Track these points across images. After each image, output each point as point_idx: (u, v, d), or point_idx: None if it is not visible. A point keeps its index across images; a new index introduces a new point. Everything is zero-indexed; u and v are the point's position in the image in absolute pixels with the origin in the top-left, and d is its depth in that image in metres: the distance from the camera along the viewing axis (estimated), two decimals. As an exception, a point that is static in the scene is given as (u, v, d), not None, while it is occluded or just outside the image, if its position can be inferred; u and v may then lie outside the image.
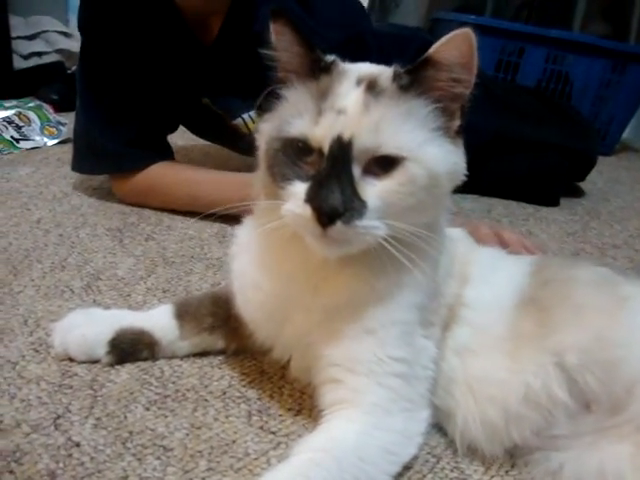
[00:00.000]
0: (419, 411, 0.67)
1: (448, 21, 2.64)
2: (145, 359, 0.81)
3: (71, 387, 0.75)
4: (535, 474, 0.67)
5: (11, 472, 0.61)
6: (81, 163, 1.44)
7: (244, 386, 0.79)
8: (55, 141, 1.91)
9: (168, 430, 0.70)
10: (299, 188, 0.60)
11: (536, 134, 1.78)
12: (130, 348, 0.80)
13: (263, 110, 0.68)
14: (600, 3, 3.12)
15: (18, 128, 1.86)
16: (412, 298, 0.67)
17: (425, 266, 0.65)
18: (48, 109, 2.02)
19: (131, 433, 0.69)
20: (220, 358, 0.84)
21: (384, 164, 0.60)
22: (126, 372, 0.79)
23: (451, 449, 0.71)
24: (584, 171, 1.92)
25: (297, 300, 0.68)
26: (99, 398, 0.74)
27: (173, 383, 0.78)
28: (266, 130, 0.66)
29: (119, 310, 0.91)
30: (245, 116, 1.43)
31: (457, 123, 0.64)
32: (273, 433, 0.71)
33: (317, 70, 0.63)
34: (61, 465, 0.63)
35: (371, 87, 0.61)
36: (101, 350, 0.79)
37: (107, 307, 0.93)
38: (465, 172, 0.65)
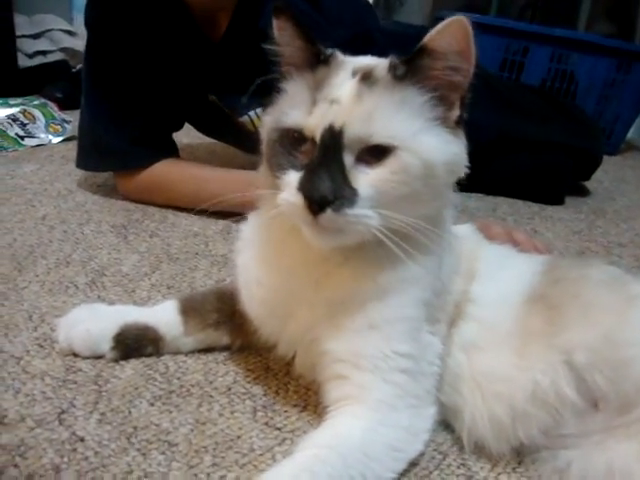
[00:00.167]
0: (425, 407, 0.67)
1: (452, 20, 2.63)
2: (150, 355, 0.81)
3: (75, 382, 0.75)
4: (542, 472, 0.67)
5: (16, 466, 0.61)
6: (86, 160, 1.44)
7: (249, 382, 0.79)
8: (60, 138, 1.91)
9: (173, 425, 0.69)
10: (293, 177, 0.60)
11: (541, 133, 1.77)
12: (135, 344, 0.80)
13: (267, 104, 0.68)
14: (605, 2, 3.12)
15: (23, 125, 1.86)
16: (417, 294, 0.66)
17: (426, 260, 0.64)
18: (53, 107, 2.02)
19: (136, 428, 0.68)
20: (225, 354, 0.84)
21: (377, 153, 0.59)
22: (131, 368, 0.79)
23: (457, 446, 0.71)
24: (589, 170, 1.91)
25: (299, 295, 0.68)
26: (104, 393, 0.74)
27: (178, 379, 0.78)
28: (267, 122, 0.67)
29: (124, 306, 0.91)
30: (251, 113, 1.42)
31: (456, 113, 0.63)
32: (278, 429, 0.71)
33: (316, 62, 0.63)
34: (65, 460, 0.63)
35: (366, 77, 0.61)
36: (106, 345, 0.79)
37: (111, 303, 0.93)
38: (467, 163, 0.64)
